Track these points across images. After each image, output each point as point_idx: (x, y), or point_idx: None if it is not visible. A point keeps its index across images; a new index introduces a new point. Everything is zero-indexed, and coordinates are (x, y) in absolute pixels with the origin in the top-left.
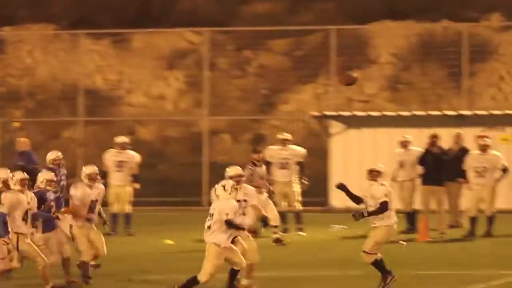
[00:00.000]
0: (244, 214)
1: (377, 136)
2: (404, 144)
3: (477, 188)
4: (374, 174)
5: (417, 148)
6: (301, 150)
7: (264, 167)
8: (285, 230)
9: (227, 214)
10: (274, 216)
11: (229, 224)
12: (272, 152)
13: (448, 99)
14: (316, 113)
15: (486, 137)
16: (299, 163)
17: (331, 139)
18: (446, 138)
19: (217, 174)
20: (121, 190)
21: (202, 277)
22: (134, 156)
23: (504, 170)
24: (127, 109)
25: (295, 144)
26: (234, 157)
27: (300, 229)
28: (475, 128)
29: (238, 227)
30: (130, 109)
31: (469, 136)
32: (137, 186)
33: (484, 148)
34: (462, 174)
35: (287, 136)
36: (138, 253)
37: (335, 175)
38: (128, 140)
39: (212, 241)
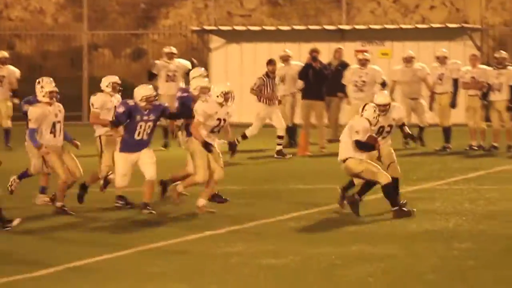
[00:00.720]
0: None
1: (257, 51)
2: (285, 59)
3: (357, 103)
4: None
5: (298, 62)
6: (186, 63)
7: (277, 78)
8: (166, 144)
9: (357, 132)
10: (281, 126)
11: (359, 143)
12: (158, 65)
13: (327, 13)
14: (196, 28)
15: (366, 51)
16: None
17: (211, 54)
18: (326, 52)
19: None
20: (1, 105)
21: (385, 179)
22: (14, 71)
23: (383, 84)
24: (6, 23)
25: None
26: (114, 72)
27: (166, 145)
28: (355, 42)
29: (368, 146)
30: (9, 23)
31: (349, 50)
32: (17, 101)
33: (363, 63)
34: (342, 88)
35: (173, 49)
36: (17, 170)
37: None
38: (8, 54)
39: (349, 156)
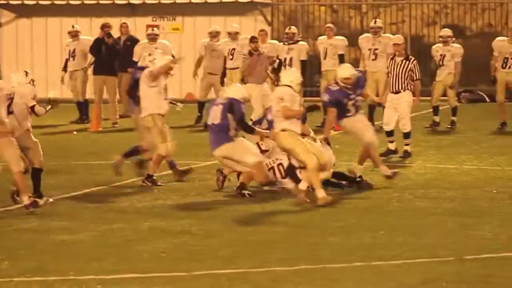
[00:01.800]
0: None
1: (48, 26)
2: (74, 34)
3: None
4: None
5: (88, 37)
6: None
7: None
8: None
9: None
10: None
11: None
12: None
13: None
14: None
15: (156, 26)
16: None
17: (1, 29)
18: (117, 27)
19: None
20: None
21: None
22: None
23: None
24: None
25: None
26: None
27: None
28: (146, 17)
29: None
30: None
31: (141, 25)
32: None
33: (153, 38)
34: (132, 64)
35: None
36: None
37: (7, 66)
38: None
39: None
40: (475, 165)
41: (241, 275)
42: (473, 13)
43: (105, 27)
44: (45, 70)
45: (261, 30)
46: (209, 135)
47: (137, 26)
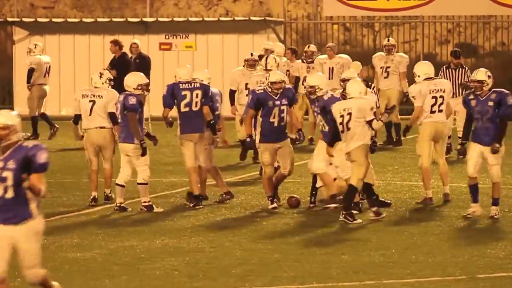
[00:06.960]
0: None
1: (61, 43)
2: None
3: None
4: None
5: (44, 56)
6: None
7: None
8: None
9: None
10: None
11: None
12: None
13: (131, 6)
14: None
15: (169, 44)
16: None
17: (14, 46)
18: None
19: None
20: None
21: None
22: None
23: None
24: None
25: None
26: None
27: None
28: (159, 35)
29: None
30: None
31: (153, 43)
32: None
33: (251, 64)
34: None
35: None
36: None
37: (19, 82)
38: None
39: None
40: (488, 183)
41: None
42: (486, 32)
43: (116, 42)
44: (58, 87)
45: (289, 49)
46: None
47: (150, 44)
